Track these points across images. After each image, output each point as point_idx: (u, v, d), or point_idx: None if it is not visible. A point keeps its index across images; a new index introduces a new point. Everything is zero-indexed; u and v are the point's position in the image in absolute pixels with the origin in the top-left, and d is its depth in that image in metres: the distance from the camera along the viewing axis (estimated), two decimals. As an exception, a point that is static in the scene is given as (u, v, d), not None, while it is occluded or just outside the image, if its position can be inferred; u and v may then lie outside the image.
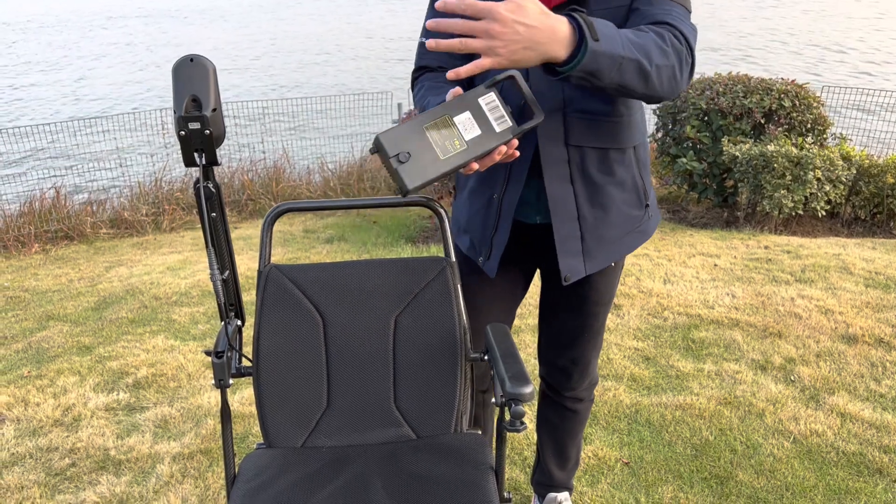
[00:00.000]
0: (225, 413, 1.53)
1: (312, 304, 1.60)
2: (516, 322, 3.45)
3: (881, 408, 2.68)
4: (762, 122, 5.38)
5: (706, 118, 5.55)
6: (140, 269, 4.84)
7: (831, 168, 4.98)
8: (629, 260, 4.38)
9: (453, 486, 1.37)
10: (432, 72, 1.54)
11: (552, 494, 2.05)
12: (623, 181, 1.52)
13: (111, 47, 22.36)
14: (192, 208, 6.55)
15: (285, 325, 1.58)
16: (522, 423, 1.26)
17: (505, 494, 1.46)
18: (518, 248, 1.67)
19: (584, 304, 1.69)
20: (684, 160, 5.49)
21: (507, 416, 1.81)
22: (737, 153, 5.14)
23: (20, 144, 6.95)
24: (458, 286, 1.61)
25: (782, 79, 5.65)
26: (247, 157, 7.27)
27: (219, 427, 2.65)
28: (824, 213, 5.18)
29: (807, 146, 5.13)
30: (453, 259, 1.62)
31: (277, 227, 6.08)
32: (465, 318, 1.59)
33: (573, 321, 1.73)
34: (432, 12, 1.54)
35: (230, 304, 1.52)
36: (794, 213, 5.07)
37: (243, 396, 2.87)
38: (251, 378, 1.79)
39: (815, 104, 5.45)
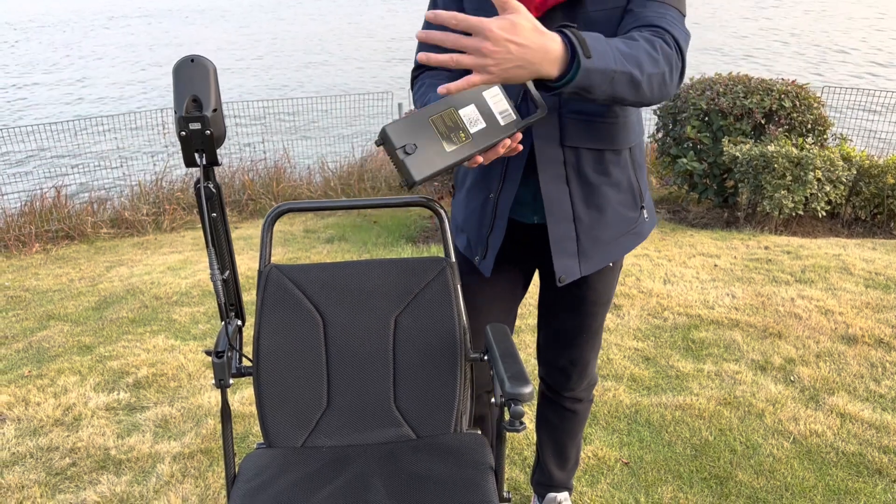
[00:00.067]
0: (225, 413, 1.53)
1: (312, 304, 1.60)
2: (516, 322, 3.46)
3: (881, 408, 2.69)
4: (762, 122, 5.38)
5: (706, 118, 5.55)
6: (140, 268, 4.85)
7: (831, 168, 4.98)
8: (629, 260, 4.38)
9: (453, 485, 1.37)
10: (432, 70, 1.55)
11: (552, 494, 2.05)
12: (618, 182, 1.52)
13: (113, 47, 22.37)
14: (192, 208, 6.56)
15: (285, 325, 1.58)
16: (522, 423, 1.26)
17: (505, 494, 1.46)
18: (516, 248, 1.68)
19: (582, 304, 1.70)
20: (685, 160, 5.49)
21: (507, 416, 1.81)
22: (737, 153, 5.14)
23: (21, 144, 6.96)
24: (458, 286, 1.61)
25: (783, 79, 5.66)
26: (247, 157, 7.27)
27: (219, 427, 2.66)
28: (824, 214, 5.18)
29: (807, 146, 5.13)
30: (453, 259, 1.62)
31: (278, 226, 6.08)
32: (464, 318, 1.60)
33: (571, 321, 1.73)
34: (434, 9, 1.54)
35: (230, 304, 1.52)
36: (794, 214, 5.07)
37: (243, 396, 2.88)
38: (251, 378, 1.79)
39: (815, 104, 5.45)
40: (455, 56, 1.07)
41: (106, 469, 2.44)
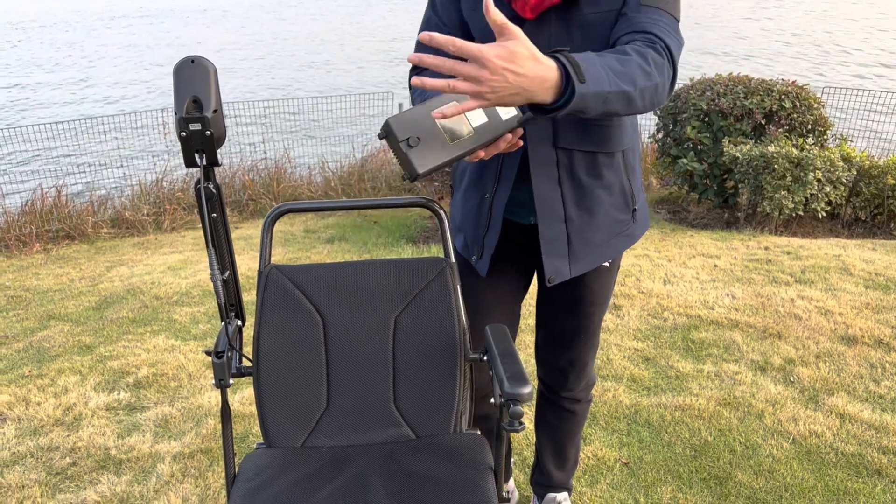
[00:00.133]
0: (225, 413, 1.53)
1: (312, 304, 1.60)
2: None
3: (880, 409, 2.69)
4: (763, 122, 5.38)
5: (707, 119, 5.56)
6: (141, 268, 4.85)
7: (832, 169, 4.98)
8: (629, 261, 4.39)
9: (452, 486, 1.38)
10: (430, 70, 1.55)
11: (551, 495, 2.06)
12: (611, 185, 1.53)
13: (115, 47, 22.38)
14: (193, 208, 6.56)
15: (285, 325, 1.59)
16: (521, 423, 1.26)
17: (504, 494, 1.47)
18: (514, 248, 1.68)
19: (579, 304, 1.70)
20: (685, 161, 5.50)
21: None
22: (737, 154, 5.14)
23: (23, 144, 6.96)
24: (458, 287, 1.61)
25: (783, 80, 5.66)
26: (248, 157, 7.28)
27: (219, 427, 2.66)
28: (825, 215, 5.19)
29: (807, 147, 5.13)
30: (453, 260, 1.62)
31: (278, 226, 6.08)
32: (464, 318, 1.60)
33: (568, 322, 1.73)
34: (432, 10, 1.55)
35: (230, 304, 1.52)
36: (794, 214, 5.07)
37: (243, 396, 2.88)
38: (251, 378, 1.80)
39: (815, 105, 5.46)
40: (452, 82, 1.07)
41: (106, 469, 2.45)
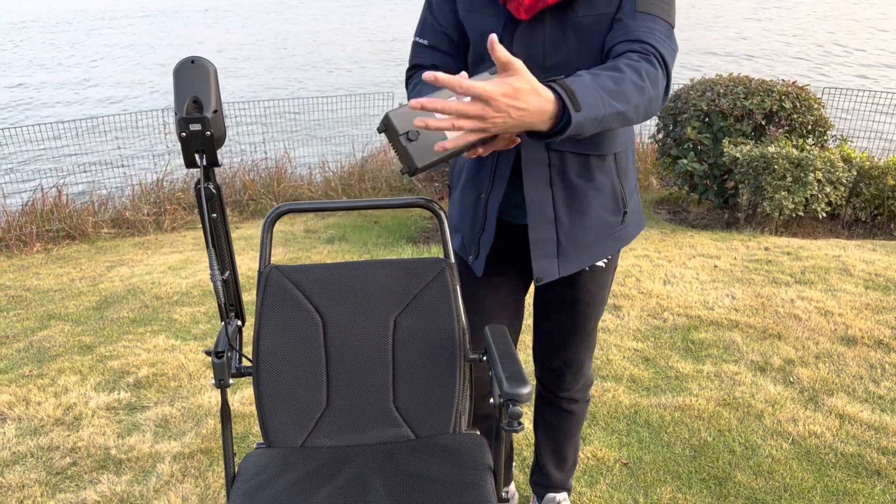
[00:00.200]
0: (225, 413, 1.53)
1: (312, 304, 1.61)
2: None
3: (880, 409, 2.69)
4: (763, 123, 5.38)
5: (707, 119, 5.56)
6: (141, 268, 4.85)
7: (832, 170, 4.98)
8: (629, 261, 4.39)
9: (452, 486, 1.38)
10: (427, 70, 1.56)
11: (551, 495, 2.06)
12: (602, 187, 1.54)
13: (117, 47, 22.39)
14: (193, 208, 6.57)
15: (285, 325, 1.59)
16: (520, 423, 1.27)
17: (504, 494, 1.47)
18: (511, 248, 1.69)
19: (575, 305, 1.71)
20: (685, 161, 5.50)
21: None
22: (737, 154, 5.14)
23: (25, 144, 6.97)
24: (458, 287, 1.62)
25: (783, 80, 5.66)
26: (249, 157, 7.28)
27: (219, 426, 2.66)
28: (825, 215, 5.19)
29: (807, 148, 5.13)
30: (452, 260, 1.63)
31: (278, 226, 6.09)
32: (463, 318, 1.60)
33: (564, 322, 1.74)
34: (428, 11, 1.55)
35: (230, 305, 1.53)
36: (794, 215, 5.07)
37: (243, 396, 2.88)
38: (251, 378, 1.80)
39: (815, 106, 5.46)
40: (456, 122, 1.09)
41: (106, 468, 2.45)
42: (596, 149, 1.50)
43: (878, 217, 5.27)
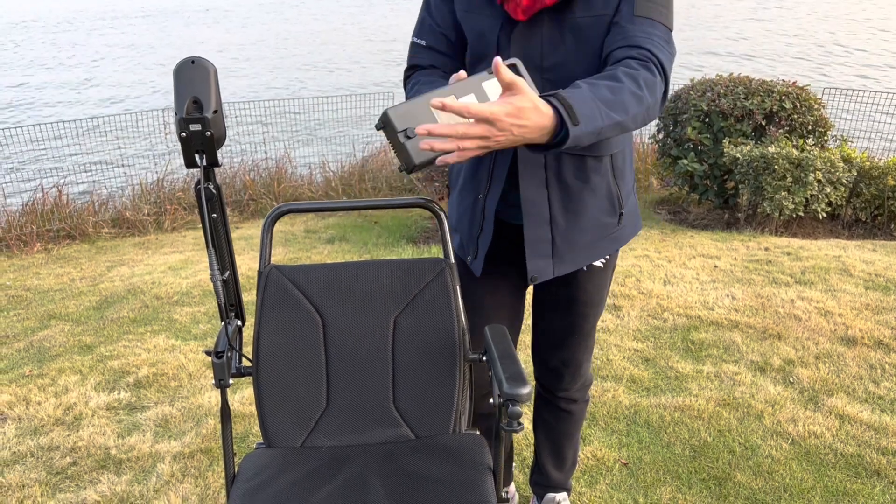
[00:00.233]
0: (225, 413, 1.54)
1: (312, 304, 1.61)
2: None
3: (879, 410, 2.69)
4: (763, 123, 5.38)
5: (707, 120, 5.56)
6: (141, 268, 4.86)
7: (832, 170, 4.98)
8: (629, 261, 4.39)
9: (451, 486, 1.38)
10: (424, 70, 1.56)
11: (550, 495, 2.06)
12: (597, 188, 1.55)
13: (118, 48, 22.39)
14: (193, 208, 6.57)
15: (285, 325, 1.59)
16: (519, 423, 1.27)
17: (503, 494, 1.47)
18: (510, 248, 1.69)
19: (573, 304, 1.71)
20: (685, 161, 5.50)
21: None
22: (738, 155, 5.14)
23: (25, 144, 6.97)
24: (458, 287, 1.62)
25: (783, 80, 5.66)
26: (249, 157, 7.28)
27: (219, 426, 2.66)
28: (825, 215, 5.19)
29: (807, 148, 5.13)
30: (452, 260, 1.63)
31: (279, 226, 6.09)
32: (463, 318, 1.60)
33: (562, 322, 1.74)
34: (426, 12, 1.56)
35: (230, 305, 1.53)
36: (794, 215, 5.07)
37: (243, 396, 2.89)
38: (251, 378, 1.80)
39: (815, 106, 5.46)
40: (460, 143, 1.12)
41: (106, 468, 2.45)
42: (592, 150, 1.50)
43: (879, 217, 5.27)
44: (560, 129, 1.18)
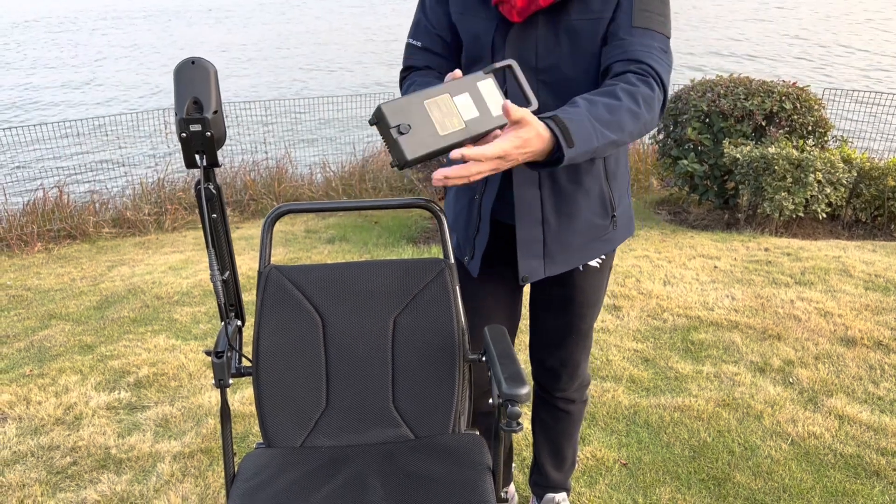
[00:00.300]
0: (224, 413, 1.54)
1: (312, 304, 1.61)
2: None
3: (879, 410, 2.69)
4: (763, 124, 5.39)
5: (707, 120, 5.56)
6: (142, 268, 4.86)
7: (832, 170, 4.98)
8: (629, 261, 4.39)
9: (451, 486, 1.38)
10: (420, 71, 1.57)
11: (550, 495, 2.06)
12: (590, 190, 1.56)
13: (119, 48, 22.40)
14: (194, 208, 6.57)
15: (285, 325, 1.59)
16: (518, 423, 1.27)
17: (503, 495, 1.47)
18: (507, 248, 1.70)
19: (570, 304, 1.71)
20: (685, 162, 5.50)
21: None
22: (738, 155, 5.14)
23: (27, 144, 6.98)
24: (457, 287, 1.62)
25: (783, 81, 5.66)
26: (250, 157, 7.29)
27: (219, 426, 2.67)
28: (825, 216, 5.19)
29: (808, 148, 5.13)
30: (452, 261, 1.63)
31: (279, 226, 6.09)
32: (463, 318, 1.61)
33: (559, 322, 1.75)
34: (421, 13, 1.56)
35: (230, 305, 1.53)
36: (794, 216, 5.08)
37: (244, 396, 2.89)
38: (251, 378, 1.80)
39: (815, 106, 5.46)
40: (473, 178, 1.18)
41: (106, 468, 2.45)
42: None
43: (879, 218, 5.27)
44: (556, 149, 1.23)
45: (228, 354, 1.44)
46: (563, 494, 2.08)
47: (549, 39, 1.42)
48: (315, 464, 1.47)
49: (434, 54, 1.56)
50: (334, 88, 14.50)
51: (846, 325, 3.37)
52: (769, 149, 5.02)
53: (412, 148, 1.20)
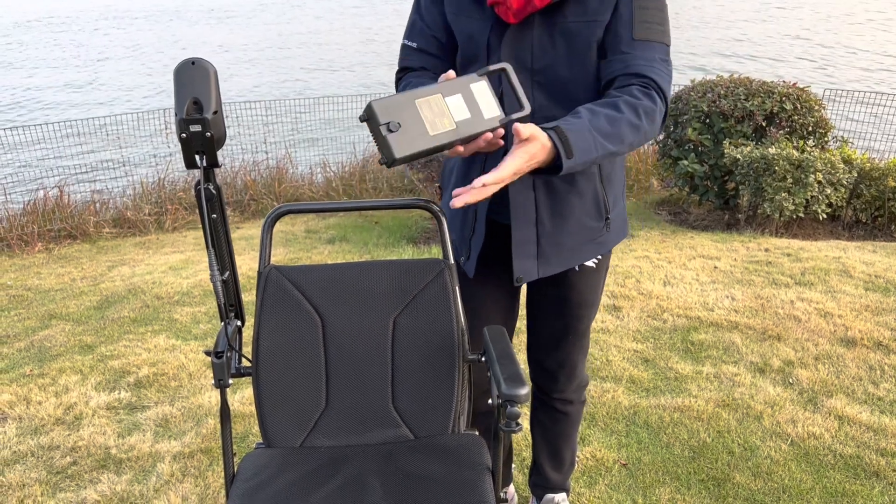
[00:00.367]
0: (224, 413, 1.54)
1: (311, 304, 1.61)
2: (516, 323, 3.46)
3: (879, 411, 2.69)
4: (763, 124, 5.39)
5: (708, 121, 5.56)
6: (142, 268, 4.86)
7: (832, 171, 4.98)
8: (629, 262, 4.39)
9: (450, 486, 1.38)
10: (416, 72, 1.57)
11: (549, 495, 2.06)
12: (584, 192, 1.56)
13: (120, 48, 22.40)
14: (194, 208, 6.57)
15: (284, 325, 1.59)
16: (518, 423, 1.27)
17: (502, 495, 1.47)
18: (503, 249, 1.70)
19: (566, 305, 1.72)
20: (686, 162, 5.50)
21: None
22: (738, 156, 5.14)
23: (28, 144, 6.98)
24: (457, 288, 1.62)
25: (784, 81, 5.66)
26: (250, 157, 7.29)
27: (219, 426, 2.67)
28: (825, 216, 5.19)
29: (808, 149, 5.13)
30: (451, 261, 1.63)
31: (279, 227, 6.10)
32: (462, 319, 1.61)
33: (556, 323, 1.75)
34: (416, 14, 1.57)
35: (230, 305, 1.53)
36: (794, 216, 5.08)
37: (243, 396, 2.89)
38: (251, 378, 1.80)
39: (816, 107, 5.46)
40: (481, 197, 1.24)
41: (106, 468, 2.46)
42: None
43: (879, 218, 5.26)
44: (556, 158, 1.27)
45: (228, 354, 1.44)
46: (563, 495, 2.08)
47: (544, 41, 1.43)
48: (315, 464, 1.47)
49: (429, 55, 1.56)
50: (336, 88, 14.50)
51: (846, 326, 3.37)
52: (769, 149, 5.02)
53: (401, 146, 1.19)
